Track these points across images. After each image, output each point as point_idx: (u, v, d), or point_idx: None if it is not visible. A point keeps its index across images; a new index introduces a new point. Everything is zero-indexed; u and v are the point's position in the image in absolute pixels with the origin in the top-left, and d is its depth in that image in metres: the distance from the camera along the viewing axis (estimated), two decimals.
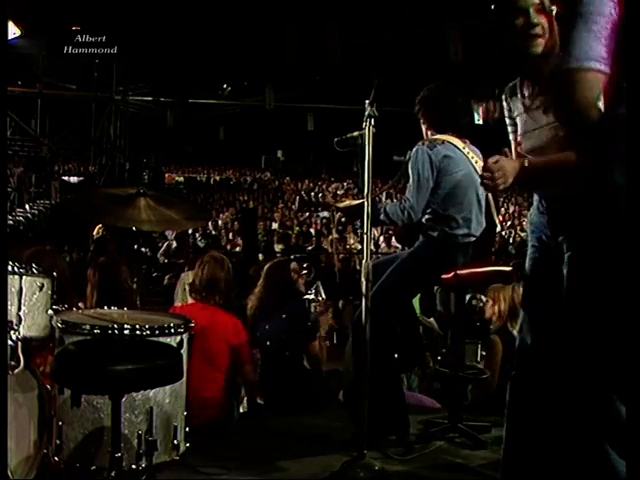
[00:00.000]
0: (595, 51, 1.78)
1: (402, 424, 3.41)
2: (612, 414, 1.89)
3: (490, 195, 3.55)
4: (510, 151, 2.39)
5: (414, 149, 3.43)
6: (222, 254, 4.39)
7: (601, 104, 1.79)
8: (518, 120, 2.35)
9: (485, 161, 2.21)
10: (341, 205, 3.68)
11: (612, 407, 1.89)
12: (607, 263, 1.95)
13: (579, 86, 1.79)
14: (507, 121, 2.47)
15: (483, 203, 3.52)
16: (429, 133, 3.55)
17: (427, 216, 3.42)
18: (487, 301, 4.25)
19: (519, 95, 2.34)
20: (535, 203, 2.34)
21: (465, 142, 3.49)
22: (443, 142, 3.42)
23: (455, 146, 3.43)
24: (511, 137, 2.46)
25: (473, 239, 3.45)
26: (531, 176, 2.19)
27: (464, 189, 3.41)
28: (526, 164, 2.17)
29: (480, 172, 3.42)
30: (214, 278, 3.75)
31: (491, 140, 2.51)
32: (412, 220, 3.36)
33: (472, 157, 3.46)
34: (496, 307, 4.25)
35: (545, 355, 2.20)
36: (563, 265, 2.15)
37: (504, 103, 2.45)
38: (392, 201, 3.45)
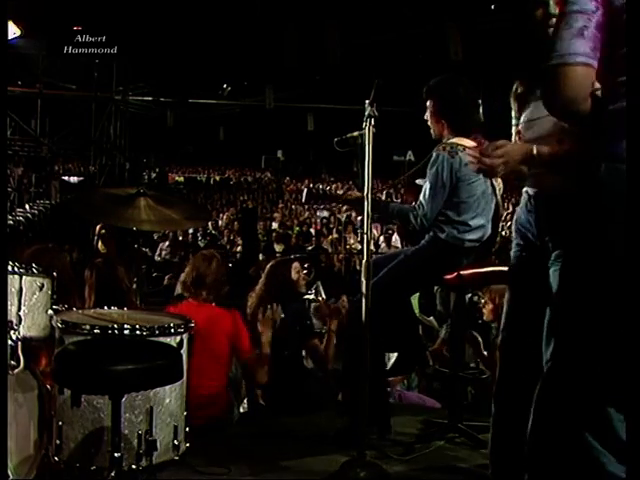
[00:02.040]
0: (577, 47, 1.80)
1: (383, 422, 3.42)
2: (598, 410, 1.89)
3: (499, 198, 3.51)
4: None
5: (434, 154, 3.35)
6: (216, 252, 4.40)
7: (588, 98, 1.80)
8: (525, 110, 2.35)
9: (488, 144, 2.20)
10: (349, 197, 3.66)
11: (599, 404, 1.89)
12: (596, 263, 1.94)
13: (565, 81, 1.81)
14: (513, 113, 2.46)
15: (493, 210, 3.48)
16: (445, 133, 3.43)
17: (439, 218, 3.37)
18: (486, 302, 4.25)
19: (524, 83, 2.35)
20: (523, 201, 2.34)
21: (481, 143, 3.42)
22: (464, 148, 3.30)
23: None
24: (514, 129, 2.45)
25: (478, 244, 3.43)
26: (537, 166, 2.19)
27: (479, 197, 3.37)
28: (534, 152, 2.15)
29: (492, 180, 3.43)
30: (200, 274, 3.75)
31: (491, 140, 2.51)
32: (424, 227, 3.33)
33: None
34: (495, 308, 4.24)
35: (529, 349, 2.21)
36: (550, 264, 2.15)
37: (512, 94, 2.45)
38: (392, 201, 3.44)
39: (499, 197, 3.51)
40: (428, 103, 3.47)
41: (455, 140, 3.38)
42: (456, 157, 3.31)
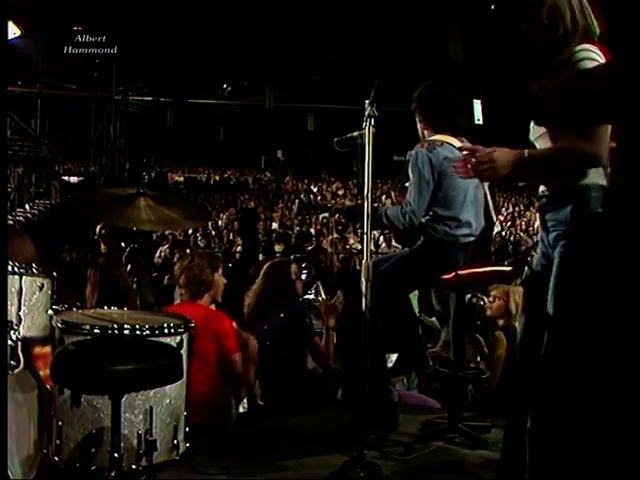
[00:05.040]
0: None
1: (390, 422, 3.41)
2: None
3: (488, 193, 3.55)
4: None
5: (413, 152, 3.42)
6: (207, 252, 4.42)
7: None
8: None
9: (480, 151, 2.22)
10: (341, 207, 3.70)
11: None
12: (593, 260, 1.96)
13: None
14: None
15: (482, 202, 3.52)
16: (426, 132, 3.54)
17: (428, 217, 3.41)
18: (494, 299, 4.25)
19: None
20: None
21: (462, 141, 3.48)
22: (442, 143, 3.41)
23: (453, 146, 3.42)
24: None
25: (473, 239, 3.45)
26: (530, 167, 2.20)
27: (464, 190, 3.41)
28: (526, 155, 2.18)
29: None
30: (191, 274, 3.78)
31: (491, 140, 2.52)
32: (414, 224, 3.35)
33: None
34: (505, 306, 4.24)
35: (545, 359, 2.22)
36: (554, 261, 2.17)
37: None
38: (392, 201, 3.45)
39: (487, 188, 3.53)
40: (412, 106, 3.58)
41: (435, 137, 3.45)
42: (434, 151, 3.37)
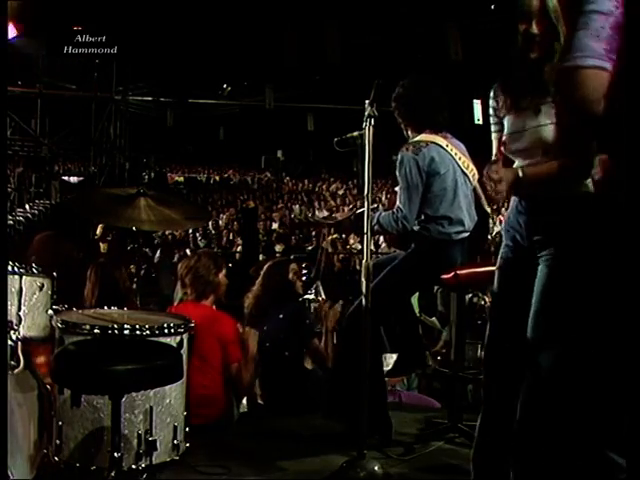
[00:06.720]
0: (592, 48, 1.77)
1: (384, 425, 3.41)
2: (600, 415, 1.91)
3: (478, 186, 3.53)
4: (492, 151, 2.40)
5: (399, 156, 3.39)
6: (213, 252, 4.42)
7: (602, 101, 1.76)
8: (505, 120, 2.35)
9: (487, 171, 2.18)
10: (332, 222, 3.70)
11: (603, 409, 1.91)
12: (589, 264, 1.97)
13: (577, 84, 1.79)
14: (492, 119, 2.47)
15: (472, 197, 3.50)
16: (409, 133, 3.51)
17: (420, 219, 3.40)
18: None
19: (508, 94, 2.34)
20: (513, 203, 2.36)
21: (446, 137, 3.45)
22: (427, 144, 3.37)
23: (439, 145, 3.40)
24: (494, 136, 2.46)
25: (467, 234, 3.44)
26: (524, 185, 2.20)
27: (452, 188, 3.39)
28: (520, 174, 2.17)
29: (463, 168, 3.45)
30: (195, 274, 3.79)
31: (491, 140, 2.52)
32: (407, 229, 3.34)
33: (455, 153, 3.43)
34: None
35: (514, 351, 2.22)
36: (540, 265, 2.16)
37: (491, 101, 2.45)
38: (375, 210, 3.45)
39: (476, 183, 3.51)
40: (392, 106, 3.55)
41: (419, 137, 3.42)
42: (420, 153, 3.33)
